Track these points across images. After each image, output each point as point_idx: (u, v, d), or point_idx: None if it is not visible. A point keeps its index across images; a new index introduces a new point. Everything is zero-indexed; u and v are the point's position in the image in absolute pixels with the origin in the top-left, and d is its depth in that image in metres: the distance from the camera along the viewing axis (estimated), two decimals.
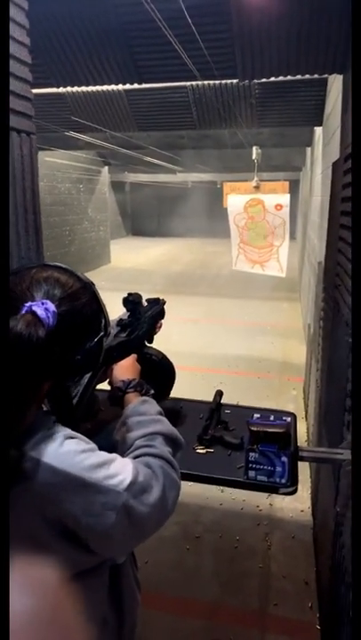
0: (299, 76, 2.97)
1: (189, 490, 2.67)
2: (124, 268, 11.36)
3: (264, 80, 3.32)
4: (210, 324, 6.64)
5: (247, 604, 2.08)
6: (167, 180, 13.79)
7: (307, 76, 3.01)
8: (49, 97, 4.20)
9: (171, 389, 1.30)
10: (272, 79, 3.14)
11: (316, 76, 2.84)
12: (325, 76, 3.32)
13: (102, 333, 0.87)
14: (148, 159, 8.23)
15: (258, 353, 5.37)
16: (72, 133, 4.47)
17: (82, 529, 0.79)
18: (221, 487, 2.82)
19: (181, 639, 1.88)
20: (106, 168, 12.08)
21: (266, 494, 2.79)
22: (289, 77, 3.00)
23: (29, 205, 1.68)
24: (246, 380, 4.54)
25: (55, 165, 9.53)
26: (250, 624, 1.98)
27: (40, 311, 0.74)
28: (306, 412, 3.63)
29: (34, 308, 0.74)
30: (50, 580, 0.55)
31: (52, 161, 9.15)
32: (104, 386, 1.10)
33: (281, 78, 3.08)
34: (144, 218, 19.40)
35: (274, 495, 2.79)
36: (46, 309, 0.75)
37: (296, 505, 2.72)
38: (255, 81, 3.27)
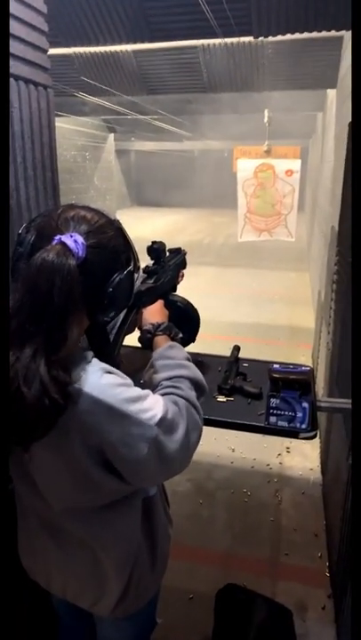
0: (315, 33, 2.89)
1: (201, 448, 2.72)
2: None
3: (277, 39, 3.24)
4: (217, 294, 6.64)
5: (259, 554, 2.16)
6: (173, 147, 13.55)
7: (322, 33, 2.93)
8: (56, 58, 4.11)
9: (196, 334, 1.33)
10: (286, 37, 3.06)
11: (333, 32, 2.76)
12: (342, 33, 3.22)
13: (131, 267, 0.90)
14: (157, 124, 8.08)
15: (266, 321, 5.39)
16: (81, 94, 4.39)
17: (117, 458, 0.83)
18: (232, 446, 2.89)
19: (198, 584, 1.97)
20: (112, 135, 11.86)
21: (276, 453, 2.86)
22: (304, 35, 2.93)
23: (47, 162, 1.66)
24: (255, 347, 4.57)
25: (61, 131, 9.37)
26: (262, 572, 2.07)
27: (69, 242, 0.79)
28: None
29: (63, 239, 0.79)
30: None
31: (58, 126, 8.99)
32: (126, 341, 1.13)
33: (295, 36, 3.00)
34: (149, 187, 19.13)
35: (284, 454, 2.87)
36: (75, 241, 0.80)
37: (306, 464, 2.78)
38: (270, 38, 3.17)
